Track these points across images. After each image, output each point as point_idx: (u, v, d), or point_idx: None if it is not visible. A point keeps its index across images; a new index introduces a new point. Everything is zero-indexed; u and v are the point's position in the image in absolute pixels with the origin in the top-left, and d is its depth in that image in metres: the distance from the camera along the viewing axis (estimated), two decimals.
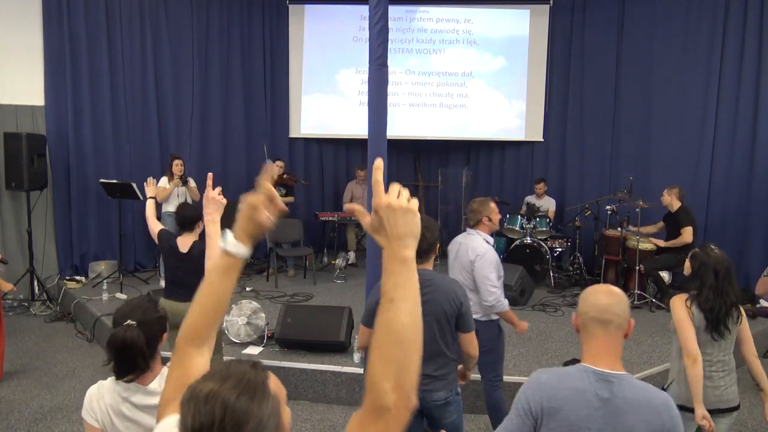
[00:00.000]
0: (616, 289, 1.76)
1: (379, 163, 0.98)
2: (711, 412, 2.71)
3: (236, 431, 0.97)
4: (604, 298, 1.70)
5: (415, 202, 0.99)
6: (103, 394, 1.92)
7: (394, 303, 0.95)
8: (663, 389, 2.84)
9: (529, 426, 1.66)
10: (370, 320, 2.69)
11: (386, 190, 0.99)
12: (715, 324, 2.69)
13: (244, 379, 1.02)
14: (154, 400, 1.88)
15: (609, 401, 1.61)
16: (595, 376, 1.65)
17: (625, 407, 1.61)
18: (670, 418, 1.63)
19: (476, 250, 3.47)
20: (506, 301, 3.45)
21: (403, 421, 0.95)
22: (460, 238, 3.69)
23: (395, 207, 0.96)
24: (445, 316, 2.60)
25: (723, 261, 2.73)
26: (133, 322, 1.88)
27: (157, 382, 1.91)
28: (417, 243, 0.99)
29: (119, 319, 1.92)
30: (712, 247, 2.82)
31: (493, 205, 3.63)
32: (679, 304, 2.77)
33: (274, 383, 1.08)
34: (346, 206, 1.04)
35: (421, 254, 2.60)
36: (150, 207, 3.89)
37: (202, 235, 3.25)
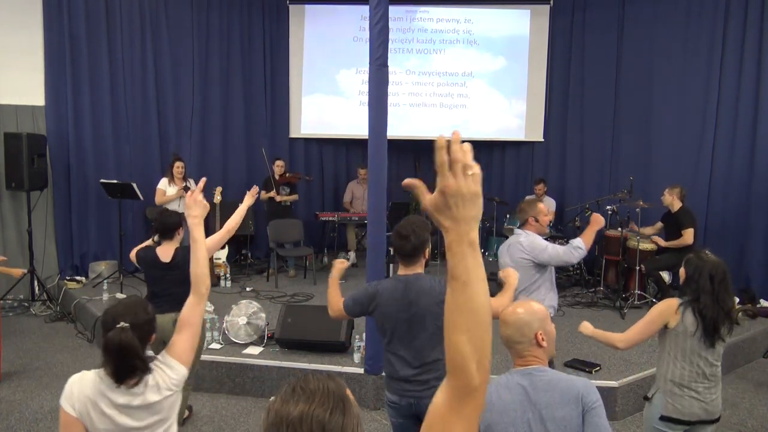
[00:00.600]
0: (513, 316, 1.95)
1: (442, 142, 0.93)
2: (695, 423, 2.70)
3: None
4: (504, 329, 1.97)
5: (478, 180, 0.96)
6: (84, 385, 1.89)
7: (469, 285, 0.95)
8: (646, 397, 2.85)
9: None
10: (354, 308, 2.71)
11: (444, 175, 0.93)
12: (711, 331, 2.62)
13: (329, 393, 1.04)
14: (136, 401, 1.88)
15: (529, 385, 1.87)
16: (517, 372, 1.93)
17: (543, 386, 1.86)
18: (584, 385, 1.85)
19: (522, 244, 3.58)
20: (573, 243, 3.59)
21: (485, 395, 1.01)
22: (508, 241, 3.77)
23: (464, 191, 0.93)
24: (435, 320, 2.51)
25: (719, 266, 2.66)
26: (126, 324, 1.84)
27: (142, 384, 1.90)
28: (478, 225, 0.98)
29: (110, 319, 1.88)
30: (707, 252, 2.77)
31: (541, 206, 3.67)
32: (664, 306, 2.72)
33: (349, 390, 1.12)
34: (405, 181, 0.99)
35: (407, 255, 2.56)
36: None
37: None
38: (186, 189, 6.66)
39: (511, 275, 2.84)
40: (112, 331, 1.83)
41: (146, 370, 1.89)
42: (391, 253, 7.05)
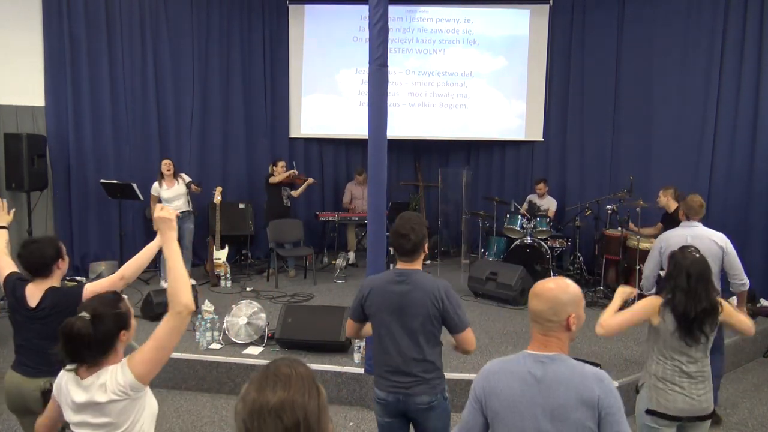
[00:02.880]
0: (551, 292, 1.82)
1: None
2: (686, 419, 2.69)
3: (318, 423, 1.08)
4: (537, 303, 1.83)
5: None
6: (62, 374, 1.99)
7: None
8: (636, 390, 2.86)
9: (477, 410, 1.83)
10: (354, 313, 2.70)
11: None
12: (688, 329, 2.62)
13: (303, 378, 1.11)
14: (83, 397, 1.90)
15: (542, 378, 1.76)
16: (531, 358, 1.81)
17: (556, 382, 1.74)
18: (601, 388, 1.72)
19: (722, 238, 3.83)
20: None
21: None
22: (686, 232, 3.88)
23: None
24: (428, 317, 2.50)
25: (698, 264, 2.66)
26: (87, 315, 1.88)
27: (93, 379, 1.91)
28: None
29: (80, 309, 1.93)
30: (691, 250, 2.77)
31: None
32: (647, 302, 2.74)
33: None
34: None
35: (407, 253, 2.57)
36: (1, 241, 2.90)
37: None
38: (189, 186, 6.66)
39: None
40: (73, 317, 1.89)
41: (97, 363, 1.91)
42: (391, 252, 7.07)
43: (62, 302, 2.58)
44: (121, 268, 2.73)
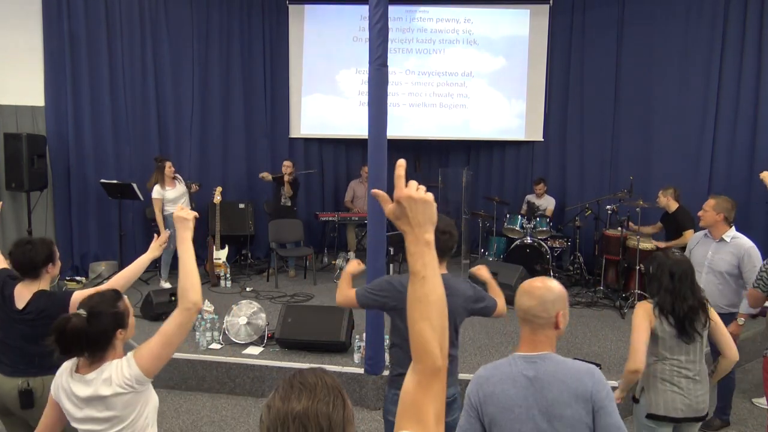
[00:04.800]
0: (540, 290, 1.85)
1: (402, 162, 1.11)
2: (682, 420, 2.70)
3: None
4: (527, 300, 1.86)
5: (430, 195, 1.12)
6: (62, 371, 2.00)
7: (427, 279, 1.08)
8: (634, 398, 2.86)
9: (474, 417, 1.83)
10: (368, 301, 2.63)
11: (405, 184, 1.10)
12: (681, 327, 2.66)
13: (329, 387, 1.11)
14: (87, 391, 1.91)
15: (535, 378, 1.78)
16: (522, 359, 1.83)
17: (549, 381, 1.76)
18: (593, 382, 1.74)
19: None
20: None
21: (446, 378, 1.11)
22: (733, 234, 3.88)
23: (416, 198, 1.08)
24: (460, 316, 2.60)
25: (681, 264, 2.70)
26: (84, 312, 1.90)
27: (96, 374, 1.92)
28: (434, 228, 1.12)
29: (79, 306, 1.96)
30: (674, 251, 2.83)
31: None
32: (640, 309, 2.74)
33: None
34: (373, 191, 1.16)
35: (448, 252, 2.55)
36: None
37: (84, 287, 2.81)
38: (189, 187, 6.65)
39: (481, 269, 2.93)
40: (69, 314, 1.93)
41: (94, 359, 1.94)
42: (391, 252, 7.07)
43: (49, 308, 2.60)
44: (113, 278, 2.75)
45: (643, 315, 2.72)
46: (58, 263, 2.75)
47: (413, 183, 1.10)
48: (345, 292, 2.69)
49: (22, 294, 2.62)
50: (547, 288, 1.87)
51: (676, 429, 2.76)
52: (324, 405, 1.06)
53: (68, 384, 1.95)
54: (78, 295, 2.58)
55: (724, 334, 2.78)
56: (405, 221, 1.09)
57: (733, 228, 3.83)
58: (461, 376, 4.27)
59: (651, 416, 2.73)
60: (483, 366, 1.91)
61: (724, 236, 3.81)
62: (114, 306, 2.00)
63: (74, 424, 1.97)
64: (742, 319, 3.68)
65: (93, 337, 1.90)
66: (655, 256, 2.81)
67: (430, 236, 1.10)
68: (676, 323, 2.66)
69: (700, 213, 3.90)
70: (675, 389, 2.70)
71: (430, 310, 1.09)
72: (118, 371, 1.92)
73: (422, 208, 1.08)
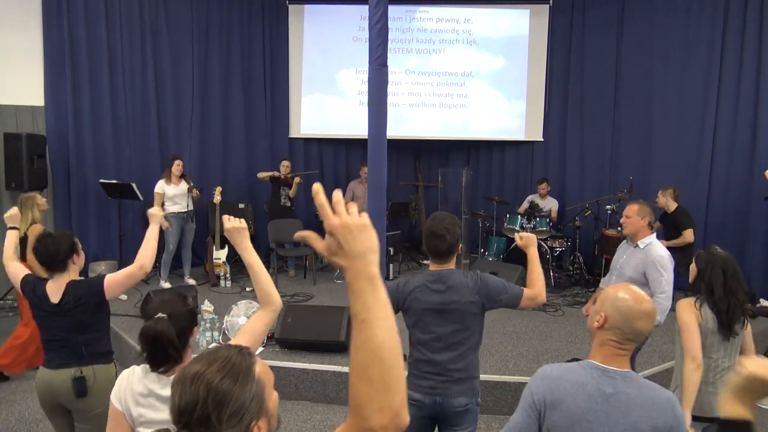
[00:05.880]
0: (651, 312, 1.68)
1: (317, 187, 0.96)
2: (713, 420, 2.65)
3: (218, 411, 1.04)
4: (646, 325, 1.67)
5: (366, 217, 0.96)
6: (132, 381, 1.95)
7: (367, 323, 0.91)
8: None
9: (534, 418, 1.68)
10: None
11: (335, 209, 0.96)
12: (728, 324, 2.64)
13: (229, 362, 1.09)
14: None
15: (611, 396, 1.62)
16: (599, 371, 1.66)
17: (628, 403, 1.61)
18: (674, 417, 1.62)
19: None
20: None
21: None
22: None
23: (350, 225, 0.94)
24: (470, 313, 2.48)
25: (730, 260, 2.71)
26: (164, 315, 1.92)
27: None
28: (378, 257, 0.95)
29: (150, 313, 1.96)
30: (716, 247, 2.81)
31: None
32: (686, 306, 2.70)
33: (261, 368, 1.15)
34: (297, 234, 1.01)
35: (442, 255, 2.53)
36: (10, 240, 3.00)
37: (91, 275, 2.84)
38: (190, 190, 6.65)
39: (529, 238, 2.70)
40: (150, 321, 1.92)
41: (179, 359, 1.93)
42: (391, 252, 7.08)
43: (85, 294, 2.67)
44: (138, 257, 2.78)
45: (691, 312, 2.67)
46: (82, 254, 2.81)
47: (340, 206, 0.95)
48: None
49: (55, 289, 2.68)
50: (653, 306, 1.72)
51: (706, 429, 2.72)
52: (213, 375, 1.06)
53: (144, 387, 1.90)
54: (111, 278, 2.70)
55: (748, 335, 2.77)
56: (341, 255, 0.94)
57: (654, 235, 3.59)
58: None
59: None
60: (548, 365, 1.78)
61: (639, 242, 3.55)
62: (186, 305, 2.03)
63: (150, 426, 1.90)
64: None
65: (179, 337, 1.92)
66: (700, 256, 2.78)
67: (374, 269, 0.94)
68: (721, 320, 2.64)
69: (622, 221, 3.66)
70: (710, 389, 2.66)
71: (367, 361, 0.90)
72: None
73: (359, 236, 0.93)
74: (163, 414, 1.88)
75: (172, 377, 1.86)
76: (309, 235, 0.99)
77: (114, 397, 1.95)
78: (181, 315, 1.97)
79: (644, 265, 3.43)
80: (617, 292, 1.72)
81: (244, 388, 1.07)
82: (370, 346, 0.91)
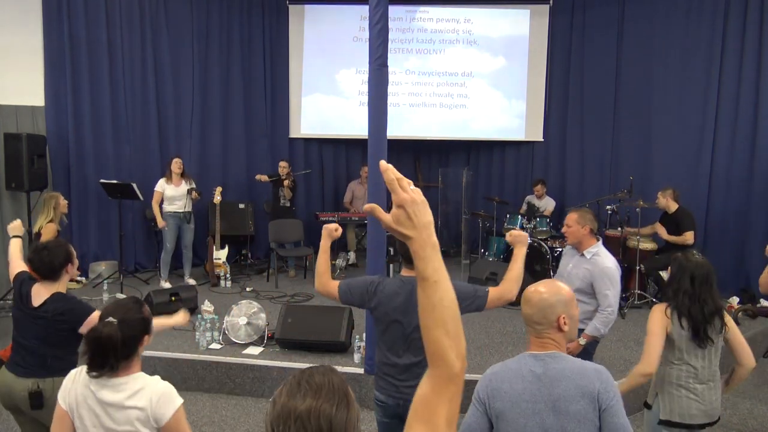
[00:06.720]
0: (538, 296, 1.89)
1: (386, 165, 1.05)
2: (696, 427, 2.66)
3: None
4: (526, 308, 1.91)
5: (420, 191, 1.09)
6: (78, 381, 1.94)
7: (439, 283, 1.04)
8: (646, 404, 2.80)
9: (481, 411, 1.83)
10: (349, 297, 2.60)
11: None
12: (695, 331, 2.60)
13: (334, 388, 1.10)
14: (119, 396, 1.88)
15: (542, 375, 1.79)
16: (530, 357, 1.85)
17: (557, 377, 1.77)
18: (601, 381, 1.75)
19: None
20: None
21: (463, 381, 1.08)
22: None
23: (418, 200, 1.04)
24: None
25: (702, 267, 2.64)
26: (114, 320, 1.90)
27: (126, 380, 1.91)
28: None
29: (103, 316, 1.95)
30: (694, 252, 2.77)
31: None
32: (656, 312, 2.69)
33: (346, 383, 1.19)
34: (366, 206, 1.10)
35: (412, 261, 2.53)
36: (14, 248, 3.04)
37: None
38: (190, 192, 6.66)
39: (519, 236, 2.69)
40: (98, 323, 1.91)
41: (116, 368, 1.89)
42: (391, 252, 7.07)
43: (66, 312, 2.65)
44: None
45: (659, 319, 2.66)
46: (76, 261, 2.83)
47: (406, 182, 1.05)
48: (326, 284, 2.65)
49: (40, 293, 2.69)
50: (549, 293, 1.88)
51: None
52: (327, 405, 1.06)
53: (89, 390, 1.90)
54: (97, 315, 2.57)
55: (740, 342, 2.73)
56: (409, 225, 1.03)
57: (600, 243, 3.49)
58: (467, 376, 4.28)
59: (665, 423, 2.68)
60: (493, 365, 1.93)
61: (585, 252, 3.46)
62: (140, 312, 2.01)
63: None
64: (584, 339, 3.33)
65: (124, 344, 1.89)
66: (675, 259, 2.74)
67: (435, 238, 1.06)
68: (692, 328, 2.60)
69: (563, 230, 3.56)
70: (690, 395, 2.64)
71: (444, 316, 1.04)
72: (151, 390, 1.90)
73: (425, 209, 1.04)
74: (103, 418, 1.87)
75: (114, 380, 1.87)
76: (375, 208, 1.08)
77: (60, 396, 1.94)
78: (132, 321, 1.94)
79: (591, 276, 3.36)
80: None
81: (353, 409, 1.11)
82: (446, 303, 1.04)
